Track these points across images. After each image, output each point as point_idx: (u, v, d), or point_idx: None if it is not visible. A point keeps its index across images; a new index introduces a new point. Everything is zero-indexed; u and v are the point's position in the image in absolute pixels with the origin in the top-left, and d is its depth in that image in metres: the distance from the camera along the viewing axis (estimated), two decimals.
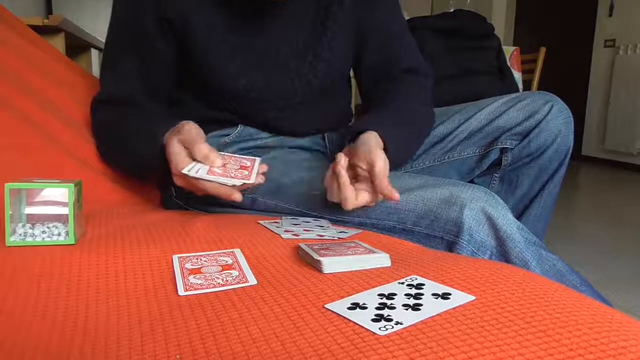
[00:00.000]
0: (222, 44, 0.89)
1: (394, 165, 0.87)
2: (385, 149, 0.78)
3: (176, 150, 0.74)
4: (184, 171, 0.71)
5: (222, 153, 0.76)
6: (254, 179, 0.72)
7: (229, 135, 0.98)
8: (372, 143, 0.77)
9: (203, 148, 0.72)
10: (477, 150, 0.99)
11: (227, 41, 0.89)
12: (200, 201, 0.96)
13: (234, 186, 0.72)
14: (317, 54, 0.95)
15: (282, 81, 0.94)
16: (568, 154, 0.96)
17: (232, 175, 0.72)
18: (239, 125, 0.98)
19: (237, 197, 0.73)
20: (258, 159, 0.79)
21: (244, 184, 0.72)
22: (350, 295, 0.46)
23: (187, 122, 0.78)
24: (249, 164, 0.77)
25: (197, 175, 0.71)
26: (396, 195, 0.71)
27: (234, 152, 0.97)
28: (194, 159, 0.74)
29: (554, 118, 0.92)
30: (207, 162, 0.73)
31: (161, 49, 0.90)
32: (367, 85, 1.06)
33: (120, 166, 0.97)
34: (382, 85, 1.02)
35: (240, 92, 0.92)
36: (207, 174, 0.71)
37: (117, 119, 0.92)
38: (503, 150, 0.97)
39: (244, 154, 0.98)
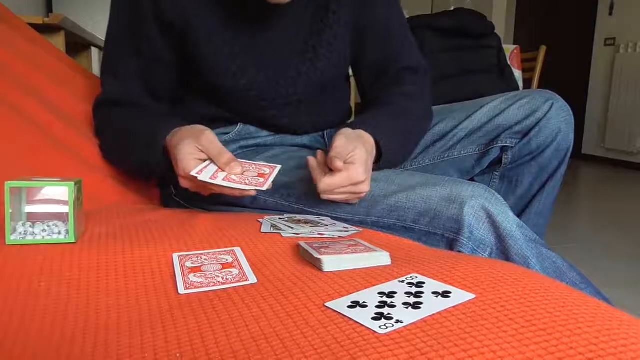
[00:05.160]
0: (221, 44, 0.89)
1: (391, 162, 0.88)
2: (377, 146, 0.81)
3: (186, 151, 0.74)
4: (201, 178, 0.71)
5: (243, 160, 0.76)
6: (267, 187, 0.73)
7: (229, 133, 0.98)
8: (344, 132, 0.79)
9: (227, 156, 0.74)
10: (477, 149, 0.99)
11: (227, 41, 0.89)
12: (200, 200, 0.96)
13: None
14: (316, 52, 0.95)
15: (282, 80, 0.94)
16: (568, 153, 0.96)
17: (248, 182, 0.73)
18: (239, 124, 0.98)
19: (252, 192, 0.73)
20: (278, 167, 0.79)
21: (256, 190, 0.73)
22: (351, 293, 0.46)
23: (204, 128, 0.77)
24: (268, 171, 0.77)
25: (214, 182, 0.71)
26: (338, 164, 0.72)
27: (234, 151, 0.97)
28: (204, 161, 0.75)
29: (554, 116, 0.92)
30: (227, 169, 0.73)
31: (161, 50, 0.90)
32: (366, 84, 1.06)
33: (122, 167, 0.97)
34: (380, 83, 1.03)
35: (240, 92, 0.92)
36: (224, 180, 0.72)
37: (118, 119, 0.93)
38: (503, 149, 0.97)
39: (244, 152, 0.98)
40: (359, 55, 1.03)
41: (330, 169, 0.75)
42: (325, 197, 0.76)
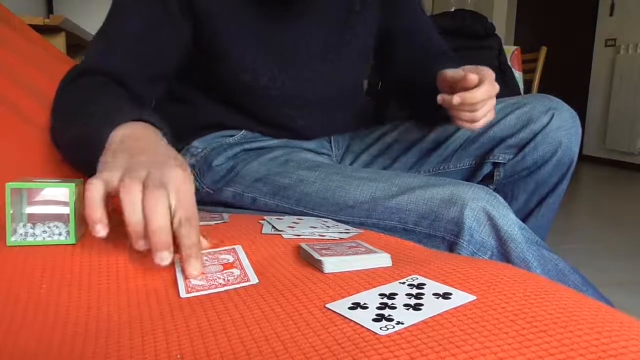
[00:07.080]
0: (245, 42, 0.88)
1: None
2: None
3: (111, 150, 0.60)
4: None
5: None
6: None
7: (233, 136, 0.97)
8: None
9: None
10: (473, 161, 0.96)
11: (250, 39, 0.89)
12: (200, 201, 0.96)
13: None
14: (338, 53, 0.94)
15: (303, 80, 0.93)
16: (571, 167, 0.90)
17: None
18: (243, 131, 0.97)
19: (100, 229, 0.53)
20: None
21: None
22: (351, 295, 0.46)
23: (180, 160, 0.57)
24: None
25: None
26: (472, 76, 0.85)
27: (236, 153, 0.96)
28: None
29: (555, 129, 0.87)
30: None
31: (178, 24, 0.84)
32: (398, 77, 1.09)
33: (61, 141, 0.78)
34: (416, 73, 1.04)
35: (261, 89, 0.91)
36: None
37: (86, 87, 0.78)
38: (495, 165, 0.93)
39: (246, 154, 0.97)
40: (387, 55, 1.04)
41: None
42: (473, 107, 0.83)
